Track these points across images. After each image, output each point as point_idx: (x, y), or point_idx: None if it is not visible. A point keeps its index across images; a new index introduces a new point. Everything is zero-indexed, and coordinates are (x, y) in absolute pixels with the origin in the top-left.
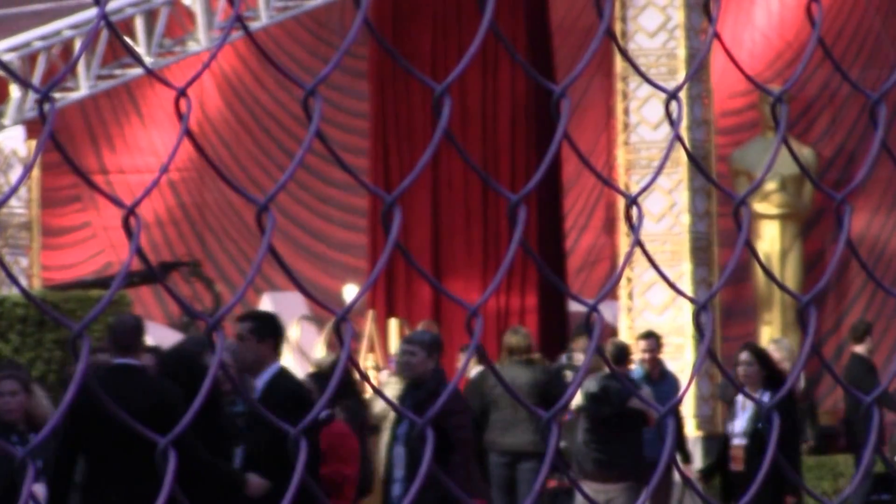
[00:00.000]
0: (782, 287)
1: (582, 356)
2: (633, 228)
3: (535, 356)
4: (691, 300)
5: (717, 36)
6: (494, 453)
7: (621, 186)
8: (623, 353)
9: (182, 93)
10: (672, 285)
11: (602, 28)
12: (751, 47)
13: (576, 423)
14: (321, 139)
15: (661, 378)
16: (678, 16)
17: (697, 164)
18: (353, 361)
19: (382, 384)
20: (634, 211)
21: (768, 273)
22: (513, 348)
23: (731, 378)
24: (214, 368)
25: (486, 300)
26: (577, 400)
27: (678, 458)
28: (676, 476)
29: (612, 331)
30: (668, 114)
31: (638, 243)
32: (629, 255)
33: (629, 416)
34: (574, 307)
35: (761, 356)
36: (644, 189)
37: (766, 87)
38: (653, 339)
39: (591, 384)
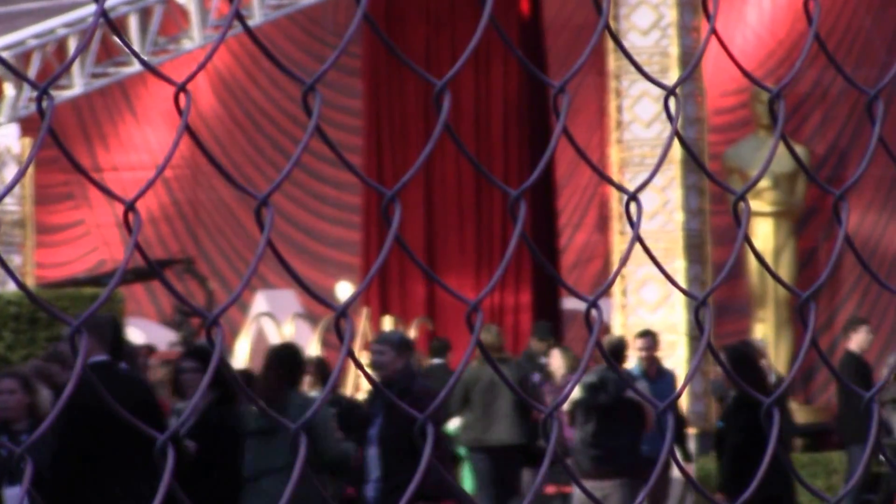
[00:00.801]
0: (781, 282)
1: (555, 364)
2: (633, 224)
3: (505, 354)
4: (691, 296)
5: (715, 32)
6: (474, 451)
7: None
8: (619, 350)
9: (182, 88)
10: (672, 281)
11: (601, 24)
12: (742, 45)
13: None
14: (321, 135)
15: (658, 376)
16: (671, 14)
17: (696, 159)
18: (352, 357)
19: None
20: (634, 207)
21: (767, 268)
22: (488, 346)
23: (730, 373)
24: (213, 366)
25: (485, 295)
26: (574, 395)
27: (679, 455)
28: (677, 473)
29: (605, 328)
30: (666, 109)
31: (638, 238)
32: (629, 251)
33: (627, 408)
34: (567, 304)
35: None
36: (644, 185)
37: (763, 83)
38: (649, 338)
39: (590, 376)
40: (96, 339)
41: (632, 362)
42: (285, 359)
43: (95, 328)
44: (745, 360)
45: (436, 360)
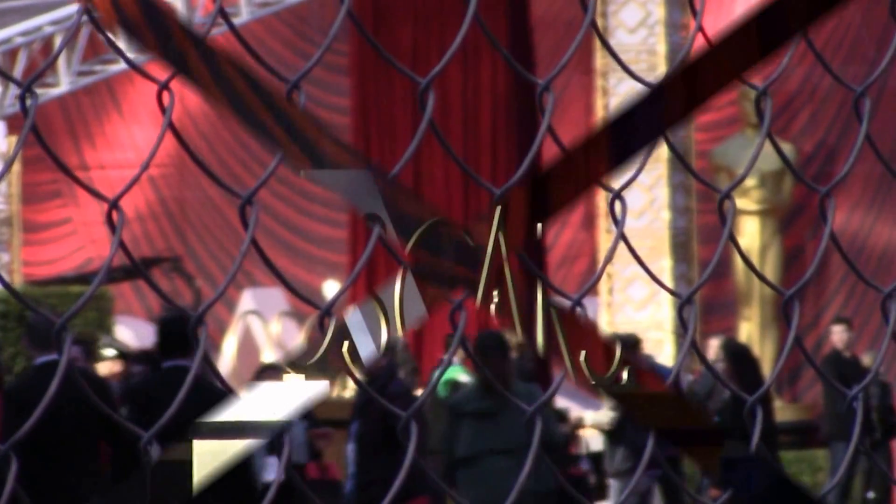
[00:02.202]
0: (765, 281)
1: None
2: (617, 222)
3: None
4: (675, 294)
5: (701, 29)
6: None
7: None
8: (634, 345)
9: (165, 86)
10: (656, 280)
11: (587, 20)
12: None
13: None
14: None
15: None
16: (658, 12)
17: (680, 157)
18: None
19: None
20: (618, 205)
21: (751, 266)
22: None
23: (714, 371)
24: (197, 362)
25: (469, 294)
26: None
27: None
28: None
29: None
30: None
31: (622, 237)
32: (613, 249)
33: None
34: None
35: (732, 354)
36: (628, 183)
37: (749, 81)
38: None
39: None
40: (46, 338)
41: None
42: (503, 346)
43: (47, 327)
44: (744, 357)
45: None
